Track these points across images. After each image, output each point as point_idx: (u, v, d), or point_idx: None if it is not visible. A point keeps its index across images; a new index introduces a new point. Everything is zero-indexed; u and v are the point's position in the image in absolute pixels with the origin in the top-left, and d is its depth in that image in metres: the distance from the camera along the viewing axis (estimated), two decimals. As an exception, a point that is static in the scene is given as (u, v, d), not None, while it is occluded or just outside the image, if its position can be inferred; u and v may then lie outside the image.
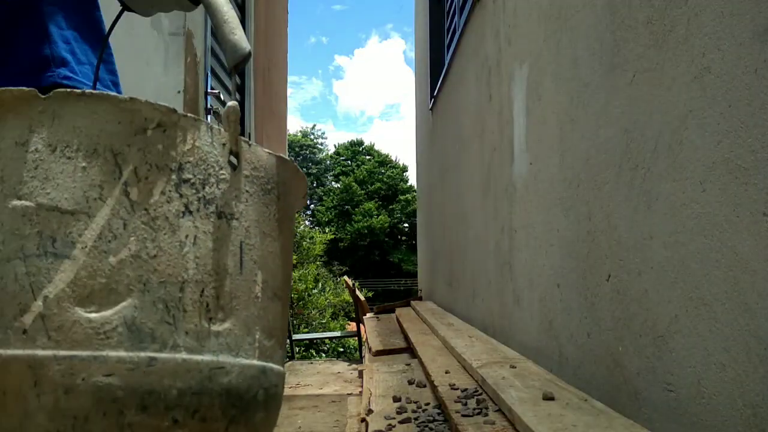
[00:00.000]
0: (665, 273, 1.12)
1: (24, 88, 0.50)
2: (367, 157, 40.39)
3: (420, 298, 5.75)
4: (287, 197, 0.60)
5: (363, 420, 1.53)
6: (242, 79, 3.03)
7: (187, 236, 0.51)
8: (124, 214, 0.48)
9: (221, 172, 0.54)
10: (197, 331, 0.51)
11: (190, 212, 0.51)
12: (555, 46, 1.75)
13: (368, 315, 5.00)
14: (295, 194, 0.63)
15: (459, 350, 1.99)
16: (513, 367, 1.64)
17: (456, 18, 3.89)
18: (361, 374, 3.58)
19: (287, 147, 4.76)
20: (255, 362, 0.54)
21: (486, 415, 1.28)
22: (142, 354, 0.48)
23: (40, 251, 0.47)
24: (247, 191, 0.55)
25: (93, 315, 0.47)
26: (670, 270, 1.11)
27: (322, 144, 42.87)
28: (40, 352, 0.46)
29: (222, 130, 0.55)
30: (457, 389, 1.54)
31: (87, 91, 0.50)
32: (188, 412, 0.49)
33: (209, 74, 2.30)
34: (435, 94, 4.81)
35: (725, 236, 0.95)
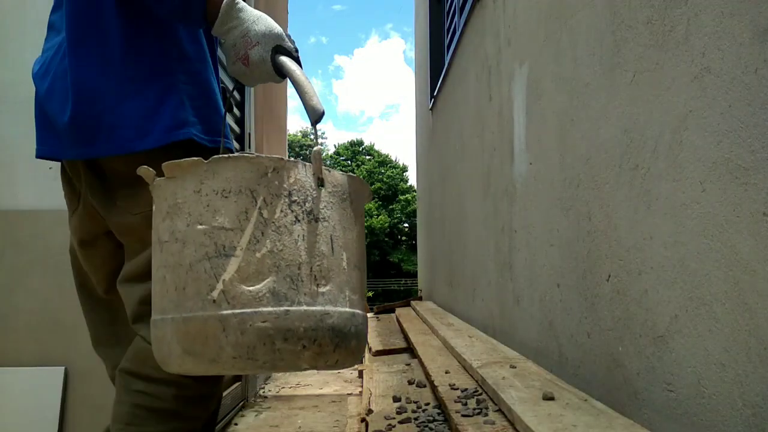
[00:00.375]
0: (665, 273, 1.12)
1: (195, 158, 0.83)
2: (367, 157, 40.37)
3: (420, 298, 5.75)
4: (357, 201, 0.93)
5: (363, 420, 1.53)
6: (242, 79, 3.03)
7: (299, 235, 0.83)
8: (261, 227, 0.82)
9: (313, 192, 0.86)
10: (311, 293, 0.83)
11: (299, 220, 0.84)
12: (555, 46, 1.75)
13: (368, 315, 5.00)
14: (362, 197, 0.95)
15: (459, 350, 1.99)
16: (513, 367, 1.64)
17: (456, 18, 3.89)
18: (361, 374, 3.58)
19: (287, 147, 4.76)
20: (347, 309, 0.86)
21: (486, 415, 1.28)
22: (281, 308, 0.80)
23: (217, 254, 0.81)
24: (331, 202, 0.88)
25: (251, 288, 0.80)
26: (670, 270, 1.11)
27: (322, 144, 42.76)
28: (225, 312, 0.79)
29: (311, 164, 0.86)
30: (457, 389, 1.54)
31: (231, 155, 0.83)
32: (311, 340, 0.81)
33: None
34: (435, 94, 4.81)
35: (725, 236, 0.95)
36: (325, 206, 0.87)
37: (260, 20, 0.99)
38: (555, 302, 1.74)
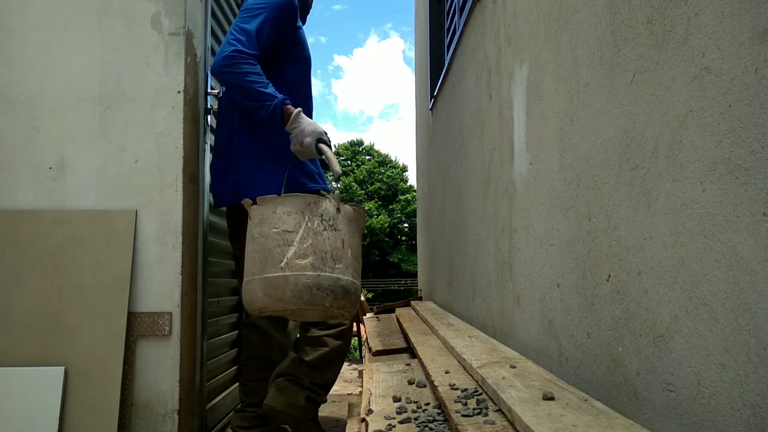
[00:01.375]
0: (665, 273, 1.12)
1: (273, 195, 1.57)
2: (367, 157, 40.34)
3: (420, 298, 5.74)
4: (358, 221, 1.61)
5: (363, 420, 1.53)
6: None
7: (326, 237, 1.51)
8: (307, 231, 1.50)
9: (335, 214, 1.54)
10: (331, 267, 1.49)
11: (326, 229, 1.51)
12: (555, 46, 1.75)
13: (368, 315, 5.01)
14: (361, 220, 1.62)
15: (459, 350, 1.99)
16: (513, 367, 1.64)
17: (456, 18, 3.89)
18: (361, 374, 3.58)
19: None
20: (350, 278, 1.52)
21: (486, 415, 1.28)
22: (316, 273, 1.47)
23: (284, 244, 1.49)
24: (343, 221, 1.55)
25: (301, 262, 1.47)
26: (670, 270, 1.11)
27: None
28: (287, 273, 1.47)
29: (333, 199, 1.56)
30: (457, 389, 1.54)
31: (292, 194, 1.56)
32: (330, 291, 1.47)
33: (209, 74, 2.30)
34: (435, 93, 4.81)
35: (725, 236, 0.95)
36: (340, 222, 1.53)
37: (311, 124, 1.74)
38: (555, 302, 1.74)
